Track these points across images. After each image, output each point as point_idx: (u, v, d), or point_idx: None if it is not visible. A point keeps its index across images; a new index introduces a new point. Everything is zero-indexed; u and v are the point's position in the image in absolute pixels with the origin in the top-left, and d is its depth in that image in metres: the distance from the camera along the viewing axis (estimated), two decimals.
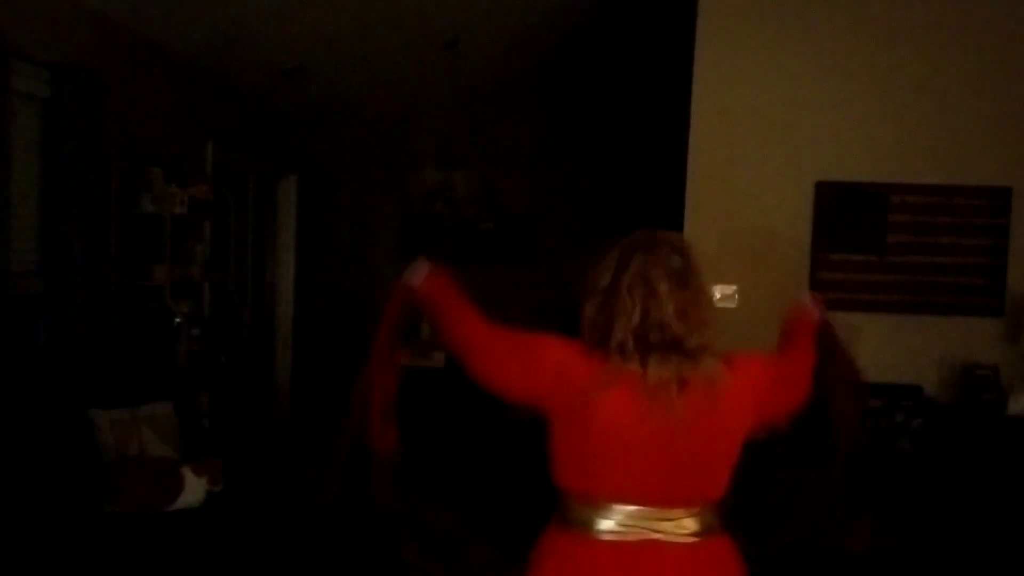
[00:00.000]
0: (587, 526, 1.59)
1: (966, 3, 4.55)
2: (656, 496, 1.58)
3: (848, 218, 4.55)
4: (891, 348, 4.50)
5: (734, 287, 4.45)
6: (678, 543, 1.59)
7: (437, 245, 7.47)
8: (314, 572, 4.13)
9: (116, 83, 4.69)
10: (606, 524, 1.58)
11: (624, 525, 1.58)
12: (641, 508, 1.58)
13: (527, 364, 1.64)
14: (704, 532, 1.62)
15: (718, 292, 4.38)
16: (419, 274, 1.79)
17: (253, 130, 6.84)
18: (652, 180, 6.47)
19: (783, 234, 4.51)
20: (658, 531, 1.58)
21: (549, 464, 1.66)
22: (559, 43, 6.62)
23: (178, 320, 5.08)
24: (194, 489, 3.73)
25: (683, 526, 1.59)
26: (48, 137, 4.28)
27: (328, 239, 8.04)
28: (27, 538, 3.20)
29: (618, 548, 1.57)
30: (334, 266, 8.01)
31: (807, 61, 4.58)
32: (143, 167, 4.88)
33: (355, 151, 8.05)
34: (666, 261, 1.60)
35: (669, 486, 1.57)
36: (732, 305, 4.40)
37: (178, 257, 5.14)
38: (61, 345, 4.23)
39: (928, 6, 4.56)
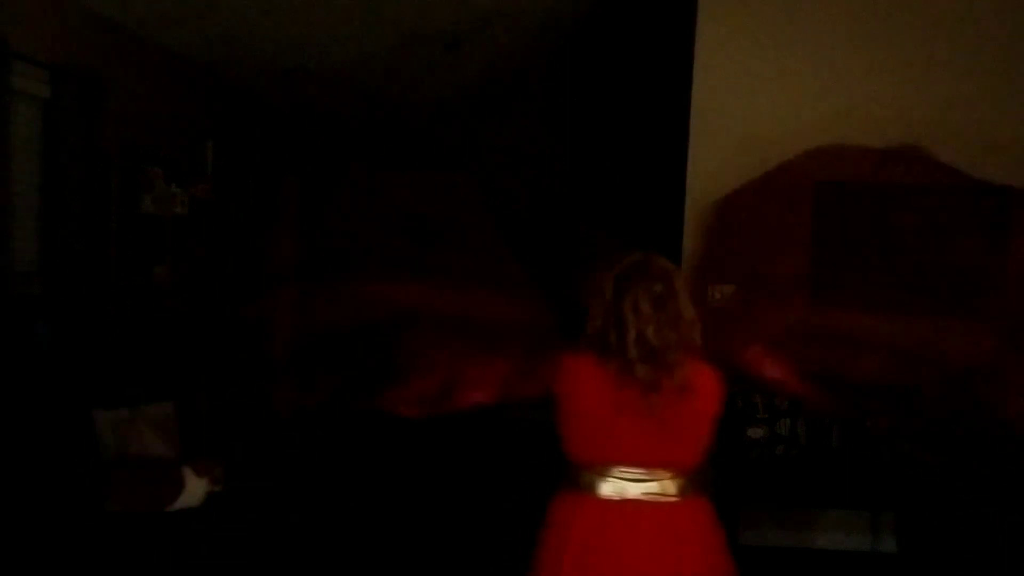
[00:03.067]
0: (591, 488, 2.04)
1: (967, 3, 4.55)
2: (643, 460, 2.01)
3: (848, 218, 4.55)
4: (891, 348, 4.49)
5: (733, 287, 4.45)
6: (660, 502, 2.02)
7: None
8: (314, 572, 4.13)
9: (116, 83, 4.69)
10: (605, 486, 2.03)
11: (619, 487, 2.02)
12: (632, 470, 2.01)
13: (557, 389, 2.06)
14: (682, 494, 2.04)
15: (717, 293, 4.38)
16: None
17: (253, 130, 6.84)
18: (652, 179, 6.47)
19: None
20: (645, 492, 2.02)
21: (559, 441, 2.08)
22: (559, 43, 6.62)
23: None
24: (194, 489, 3.73)
25: (666, 488, 2.03)
26: (48, 137, 4.28)
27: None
28: (27, 538, 3.20)
29: (613, 505, 2.02)
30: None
31: (807, 60, 4.58)
32: (143, 167, 4.89)
33: (355, 151, 8.05)
34: (651, 289, 2.00)
35: (653, 454, 2.02)
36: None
37: (178, 257, 5.14)
38: (61, 345, 4.23)
39: (928, 6, 4.55)
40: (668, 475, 2.03)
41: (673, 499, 2.03)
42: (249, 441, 5.28)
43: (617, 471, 2.02)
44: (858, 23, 4.56)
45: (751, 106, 4.60)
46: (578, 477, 2.07)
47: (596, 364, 2.01)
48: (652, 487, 2.02)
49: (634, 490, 2.02)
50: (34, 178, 4.27)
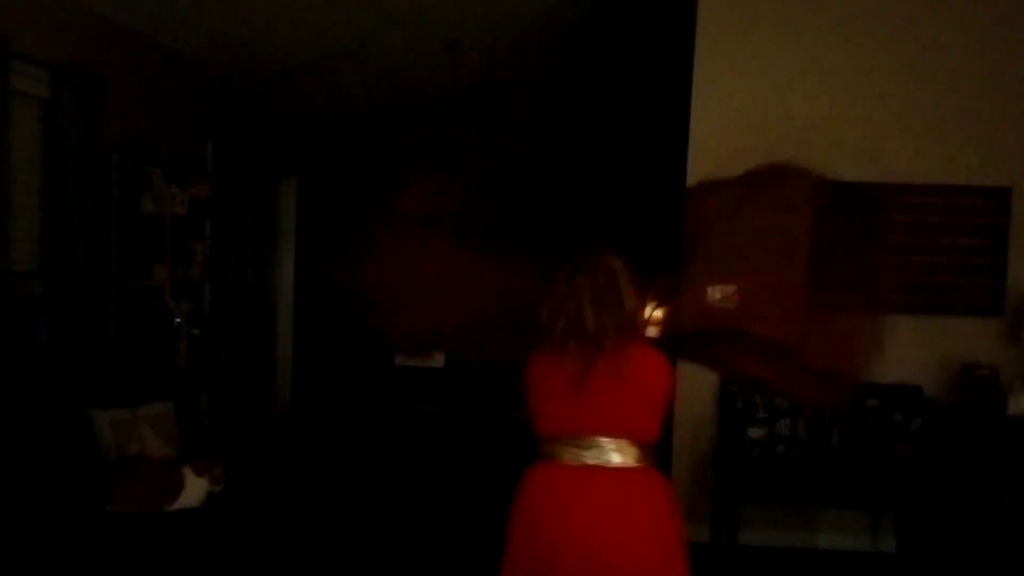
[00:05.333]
0: (552, 457, 2.28)
1: (966, 4, 4.55)
2: (590, 429, 2.25)
3: (848, 218, 4.55)
4: (891, 348, 4.48)
5: (733, 287, 4.45)
6: (609, 468, 2.24)
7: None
8: (314, 572, 4.13)
9: (116, 83, 4.69)
10: (564, 455, 2.26)
11: (576, 455, 2.25)
12: (582, 438, 2.25)
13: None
14: (632, 463, 2.25)
15: (717, 292, 4.37)
16: None
17: (253, 130, 6.84)
18: (652, 179, 6.48)
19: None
20: (599, 460, 2.24)
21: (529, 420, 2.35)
22: (559, 43, 6.62)
23: (178, 320, 5.09)
24: (194, 489, 3.73)
25: (619, 457, 2.24)
26: (48, 137, 4.29)
27: (328, 239, 8.04)
28: (27, 538, 3.20)
29: (568, 470, 2.25)
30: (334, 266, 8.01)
31: (807, 61, 4.58)
32: (143, 167, 4.89)
33: (355, 151, 8.05)
34: (594, 281, 2.27)
35: (597, 422, 2.25)
36: (731, 306, 4.39)
37: (178, 257, 5.14)
38: (61, 345, 4.23)
39: (929, 7, 4.56)
40: (621, 445, 2.25)
41: (629, 466, 2.25)
42: (249, 441, 5.29)
43: (572, 442, 2.26)
44: (857, 21, 4.56)
45: (752, 106, 4.60)
46: (542, 448, 2.33)
47: (547, 353, 2.26)
48: (606, 456, 2.24)
49: (589, 458, 2.25)
50: (34, 178, 4.27)
